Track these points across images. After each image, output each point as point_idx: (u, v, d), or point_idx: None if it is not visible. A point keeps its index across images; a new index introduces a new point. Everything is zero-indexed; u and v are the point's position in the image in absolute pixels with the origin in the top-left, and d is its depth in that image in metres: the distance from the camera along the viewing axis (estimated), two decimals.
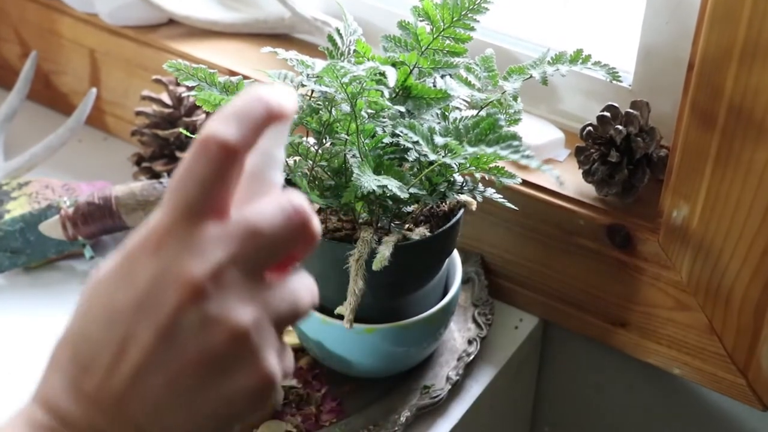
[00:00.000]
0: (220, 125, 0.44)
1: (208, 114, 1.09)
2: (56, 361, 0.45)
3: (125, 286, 0.44)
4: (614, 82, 0.80)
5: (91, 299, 0.45)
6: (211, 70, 0.77)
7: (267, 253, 0.45)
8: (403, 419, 0.86)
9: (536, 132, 0.97)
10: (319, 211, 0.84)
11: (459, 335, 0.96)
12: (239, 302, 0.44)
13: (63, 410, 0.44)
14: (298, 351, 0.93)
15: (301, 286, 0.47)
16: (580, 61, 0.80)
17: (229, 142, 0.44)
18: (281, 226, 0.45)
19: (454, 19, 0.79)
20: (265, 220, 0.45)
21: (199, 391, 0.43)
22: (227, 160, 0.44)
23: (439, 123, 0.78)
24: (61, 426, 0.44)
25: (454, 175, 0.78)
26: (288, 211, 0.45)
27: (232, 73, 1.07)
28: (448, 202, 0.84)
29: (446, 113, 0.79)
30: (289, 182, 0.82)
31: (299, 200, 0.46)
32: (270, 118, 0.45)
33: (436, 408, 0.89)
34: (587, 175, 0.91)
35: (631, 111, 0.89)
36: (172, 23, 1.17)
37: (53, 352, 0.46)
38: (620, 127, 0.88)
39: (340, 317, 0.79)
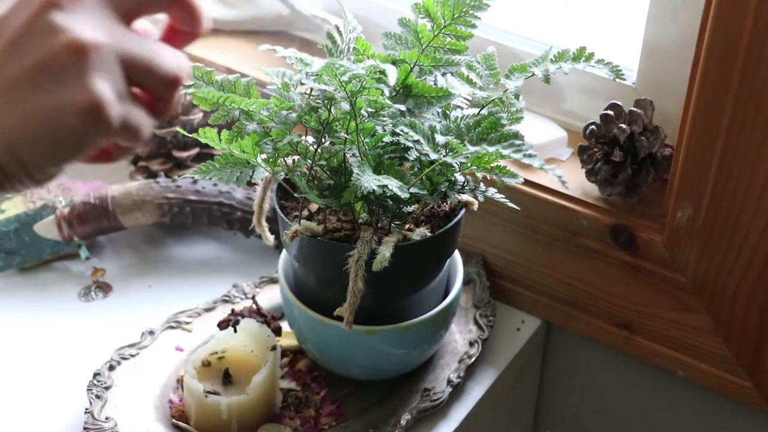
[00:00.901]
0: None
1: (205, 113, 1.08)
2: None
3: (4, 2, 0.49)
4: (618, 80, 0.79)
5: None
6: (209, 68, 0.76)
7: None
8: (403, 422, 0.85)
9: (538, 131, 0.97)
10: (319, 211, 0.83)
11: (460, 337, 0.95)
12: (88, 22, 0.47)
13: None
14: (297, 353, 0.92)
15: (170, 53, 0.50)
16: (583, 58, 0.79)
17: None
18: None
19: (455, 16, 0.78)
20: None
21: (32, 94, 0.47)
22: None
23: (440, 122, 0.77)
24: None
25: (455, 174, 0.77)
26: None
27: (230, 71, 1.06)
28: (449, 202, 0.83)
29: (447, 112, 0.78)
30: (288, 181, 0.81)
31: None
32: None
33: (437, 411, 0.89)
34: (590, 174, 0.90)
35: (635, 109, 0.88)
36: None
37: None
38: (624, 125, 0.87)
39: (340, 319, 0.78)
